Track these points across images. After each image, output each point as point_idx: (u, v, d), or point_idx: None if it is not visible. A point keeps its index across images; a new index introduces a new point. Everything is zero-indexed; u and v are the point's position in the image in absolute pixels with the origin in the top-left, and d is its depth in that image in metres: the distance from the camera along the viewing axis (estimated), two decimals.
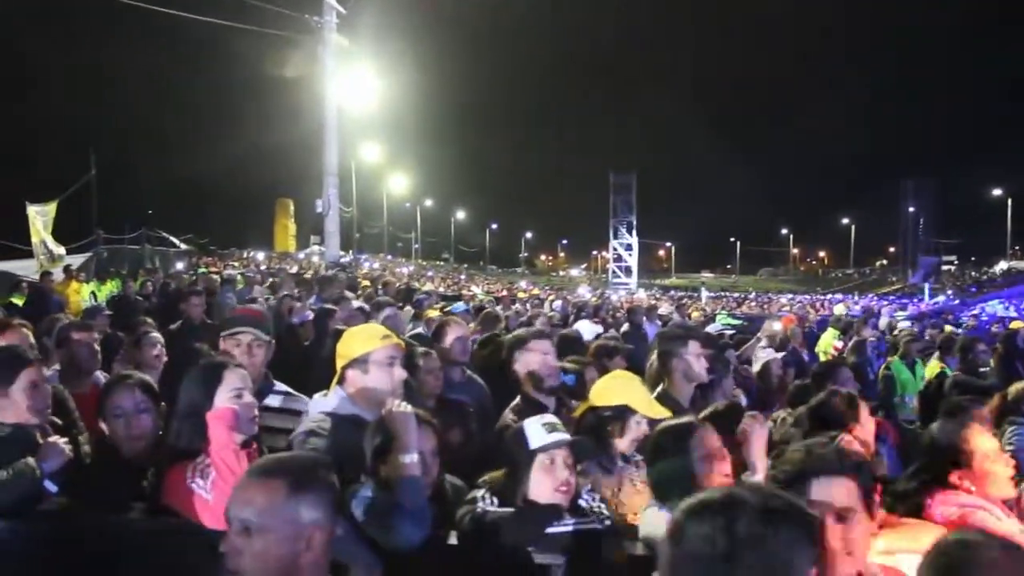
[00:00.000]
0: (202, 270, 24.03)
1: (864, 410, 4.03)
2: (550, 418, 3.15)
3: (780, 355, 8.21)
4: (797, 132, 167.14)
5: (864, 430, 3.91)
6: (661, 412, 3.72)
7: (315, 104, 26.64)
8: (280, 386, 4.15)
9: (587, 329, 9.12)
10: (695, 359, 4.62)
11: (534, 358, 4.48)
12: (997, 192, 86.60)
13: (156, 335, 6.15)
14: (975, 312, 31.02)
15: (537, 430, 3.02)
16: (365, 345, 3.50)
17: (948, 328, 17.09)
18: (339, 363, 3.54)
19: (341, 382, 3.53)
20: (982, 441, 3.21)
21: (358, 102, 28.41)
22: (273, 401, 3.98)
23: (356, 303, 8.93)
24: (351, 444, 3.10)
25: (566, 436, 3.04)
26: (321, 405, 3.54)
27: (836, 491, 2.18)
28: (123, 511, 3.14)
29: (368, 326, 4.04)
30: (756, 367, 7.70)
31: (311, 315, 7.86)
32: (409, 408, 3.00)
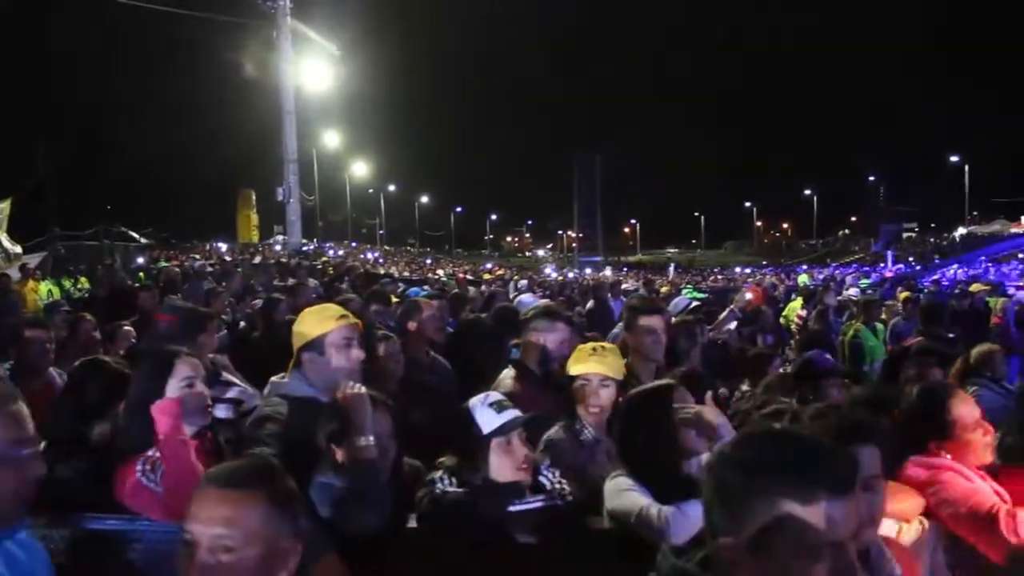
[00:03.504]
0: (163, 264, 23.71)
1: None
2: (495, 396, 3.08)
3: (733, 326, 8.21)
4: (757, 105, 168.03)
5: None
6: (586, 368, 3.68)
7: (273, 91, 26.38)
8: (225, 376, 4.10)
9: (529, 301, 9.02)
10: (646, 335, 4.57)
11: (553, 337, 4.38)
12: (954, 159, 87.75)
13: (128, 328, 6.19)
14: (935, 277, 31.38)
15: (486, 412, 2.95)
16: (320, 326, 3.43)
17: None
18: (295, 345, 3.47)
19: (298, 364, 3.45)
20: (964, 410, 3.16)
21: (316, 88, 28.18)
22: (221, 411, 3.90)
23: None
24: (308, 427, 3.04)
25: (517, 413, 2.98)
26: (277, 388, 3.46)
27: (865, 459, 2.09)
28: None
29: (323, 306, 3.94)
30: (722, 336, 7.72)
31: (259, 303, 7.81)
32: (363, 390, 2.94)
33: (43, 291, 16.48)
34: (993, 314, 11.84)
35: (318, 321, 3.47)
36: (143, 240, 35.37)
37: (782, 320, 12.70)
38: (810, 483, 1.48)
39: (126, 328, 6.25)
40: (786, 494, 1.47)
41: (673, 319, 7.08)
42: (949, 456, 3.11)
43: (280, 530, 1.82)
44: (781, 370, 5.52)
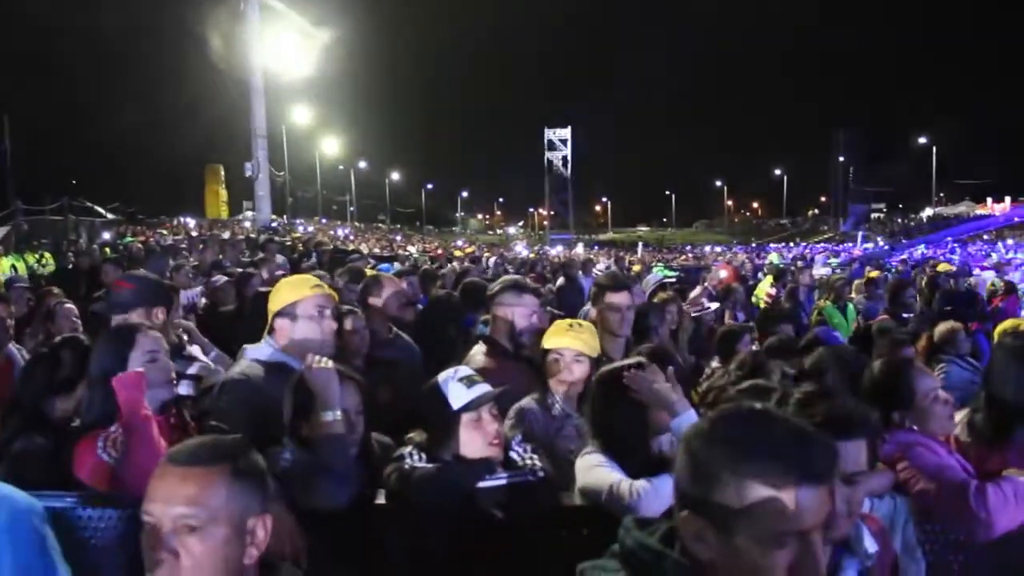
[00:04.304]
0: (128, 239, 23.41)
1: None
2: (465, 370, 3.04)
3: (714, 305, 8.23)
4: (729, 85, 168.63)
5: None
6: (560, 343, 3.65)
7: (242, 65, 26.02)
8: (189, 350, 4.05)
9: None
10: (612, 311, 4.55)
11: (521, 311, 4.34)
12: (922, 141, 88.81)
13: (70, 305, 6.05)
14: (903, 257, 31.77)
15: (456, 387, 2.91)
16: (294, 294, 3.46)
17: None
18: (270, 312, 3.50)
19: (272, 332, 3.48)
20: (923, 381, 3.19)
21: (286, 62, 27.84)
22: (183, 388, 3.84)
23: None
24: (278, 391, 3.02)
25: (488, 388, 2.94)
26: (250, 353, 3.46)
27: (850, 453, 2.06)
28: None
29: (299, 276, 3.97)
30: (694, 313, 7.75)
31: (222, 279, 7.74)
32: (330, 364, 2.89)
33: (5, 266, 16.19)
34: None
35: (293, 288, 3.52)
36: (109, 215, 34.90)
37: (753, 299, 12.77)
38: (785, 468, 1.43)
39: (67, 306, 6.07)
40: (758, 476, 1.42)
41: (647, 294, 7.12)
42: (915, 427, 3.13)
43: (247, 506, 1.77)
44: (753, 347, 5.52)
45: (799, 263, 19.25)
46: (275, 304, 3.48)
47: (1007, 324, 5.79)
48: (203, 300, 7.64)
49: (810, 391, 2.28)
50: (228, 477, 1.75)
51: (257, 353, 3.44)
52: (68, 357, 3.44)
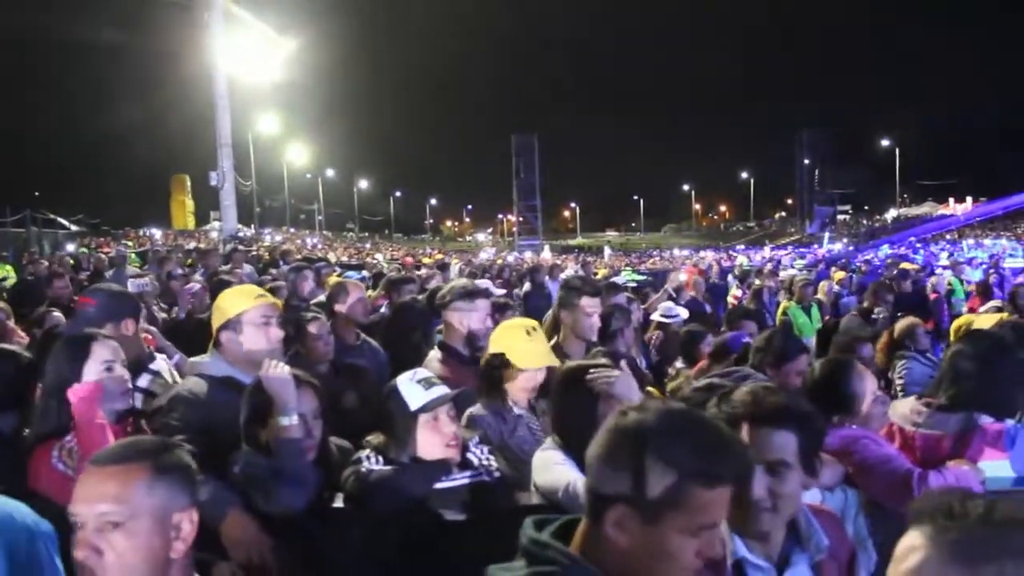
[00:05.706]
0: (83, 249, 23.13)
1: None
2: (423, 373, 3.06)
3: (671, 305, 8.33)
4: (693, 89, 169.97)
5: None
6: (532, 362, 3.61)
7: (207, 73, 25.82)
8: (157, 363, 4.00)
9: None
10: (584, 315, 4.57)
11: (476, 316, 4.36)
12: (886, 143, 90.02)
13: (58, 314, 6.03)
14: (868, 257, 32.12)
15: (414, 388, 2.93)
16: (237, 305, 3.41)
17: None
18: (214, 325, 3.45)
19: (217, 345, 3.43)
20: (863, 384, 3.26)
21: (251, 71, 27.65)
22: (143, 381, 3.81)
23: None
24: (226, 407, 2.99)
25: (445, 390, 2.96)
26: (196, 368, 3.42)
27: (775, 442, 2.07)
28: None
29: (242, 287, 3.93)
30: (656, 316, 7.84)
31: (197, 287, 7.69)
32: (287, 369, 2.89)
33: None
34: (931, 291, 12.22)
35: (236, 300, 3.46)
36: (73, 227, 34.54)
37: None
38: (718, 471, 1.56)
39: (56, 314, 6.07)
40: (695, 478, 1.54)
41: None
42: (855, 427, 3.19)
43: (169, 501, 1.83)
44: None
45: (769, 266, 19.42)
46: (219, 316, 3.43)
47: (961, 321, 5.91)
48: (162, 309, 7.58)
49: (755, 388, 2.29)
50: (148, 473, 1.82)
51: (203, 368, 3.38)
52: (10, 372, 3.40)
